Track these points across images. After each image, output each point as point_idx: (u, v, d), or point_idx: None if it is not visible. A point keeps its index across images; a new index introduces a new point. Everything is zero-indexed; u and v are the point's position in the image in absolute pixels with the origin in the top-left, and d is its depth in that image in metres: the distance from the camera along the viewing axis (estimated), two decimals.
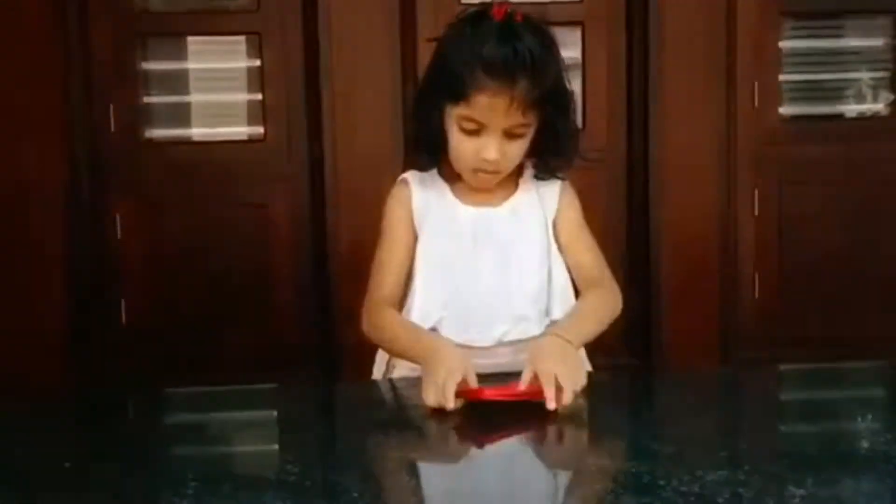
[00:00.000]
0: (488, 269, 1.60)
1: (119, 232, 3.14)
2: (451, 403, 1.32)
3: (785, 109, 3.27)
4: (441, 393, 1.33)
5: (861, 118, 3.39)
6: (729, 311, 3.20)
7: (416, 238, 1.63)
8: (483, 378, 1.39)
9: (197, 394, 1.66)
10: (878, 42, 3.36)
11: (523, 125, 1.53)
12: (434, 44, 1.60)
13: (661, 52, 3.10)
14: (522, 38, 1.48)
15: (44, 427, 1.37)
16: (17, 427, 1.36)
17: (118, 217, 3.14)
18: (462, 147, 1.55)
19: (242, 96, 3.30)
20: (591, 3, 3.18)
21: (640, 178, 3.16)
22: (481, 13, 1.53)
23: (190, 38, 3.28)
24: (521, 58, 1.47)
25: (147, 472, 1.17)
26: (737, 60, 3.15)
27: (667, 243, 3.13)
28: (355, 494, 1.05)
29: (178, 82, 3.30)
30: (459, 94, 1.51)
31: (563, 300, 1.62)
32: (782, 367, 1.93)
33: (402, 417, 1.43)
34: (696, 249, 3.14)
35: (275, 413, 1.56)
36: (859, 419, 1.39)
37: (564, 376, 1.34)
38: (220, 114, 3.35)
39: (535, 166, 1.64)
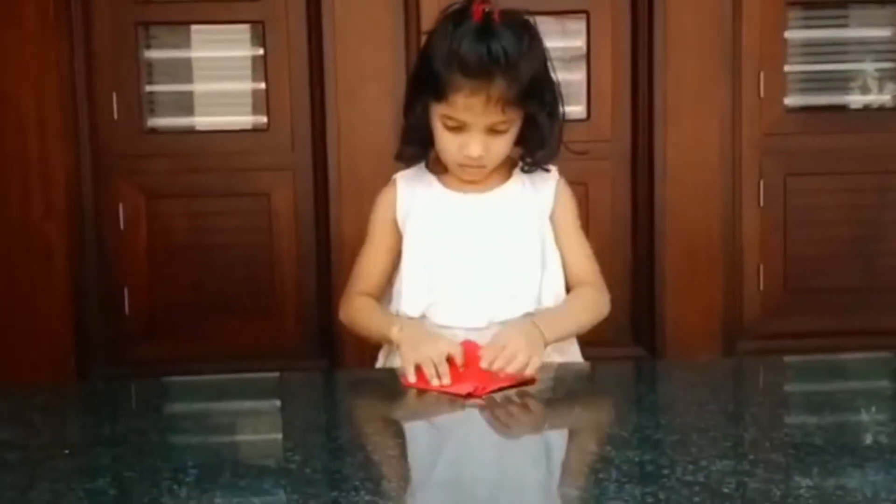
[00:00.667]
0: (477, 252, 1.61)
1: (122, 221, 3.14)
2: (446, 379, 1.40)
3: (790, 100, 3.25)
4: (437, 366, 1.41)
5: (867, 109, 3.37)
6: (733, 302, 3.19)
7: (399, 238, 1.67)
8: None
9: (198, 382, 1.66)
10: (884, 32, 3.34)
11: (505, 122, 1.54)
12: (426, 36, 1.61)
13: (665, 42, 3.09)
14: (498, 37, 1.49)
15: (45, 414, 1.37)
16: (18, 414, 1.36)
17: (121, 206, 3.14)
18: (446, 143, 1.58)
19: (246, 85, 3.29)
20: None
21: (644, 168, 3.14)
22: (464, 8, 1.54)
23: (193, 27, 3.27)
24: (495, 57, 1.48)
25: (148, 459, 1.16)
26: (742, 51, 3.13)
27: (671, 234, 3.12)
28: (356, 482, 1.04)
29: (182, 71, 3.28)
30: (440, 94, 1.53)
31: (554, 290, 1.63)
32: (787, 357, 1.93)
33: (403, 406, 1.43)
34: (701, 240, 3.13)
35: (276, 401, 1.55)
36: (865, 410, 1.38)
37: (513, 351, 1.40)
38: (224, 103, 3.33)
39: (521, 158, 1.65)
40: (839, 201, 3.23)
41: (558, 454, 1.25)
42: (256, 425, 1.39)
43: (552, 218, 1.66)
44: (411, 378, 1.43)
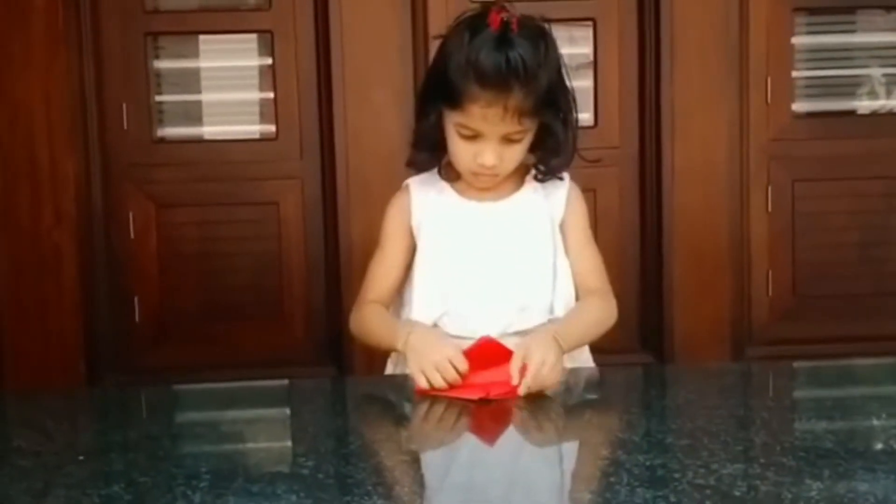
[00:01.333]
0: (490, 261, 1.61)
1: (132, 230, 3.15)
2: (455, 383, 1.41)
3: (798, 106, 3.26)
4: (443, 374, 1.41)
5: (875, 114, 3.37)
6: (742, 308, 3.19)
7: (413, 245, 1.65)
8: None
9: (210, 390, 1.67)
10: (891, 38, 3.34)
11: (520, 131, 1.53)
12: (439, 41, 1.60)
13: (673, 49, 3.09)
14: (516, 48, 1.48)
15: (59, 421, 1.38)
16: (32, 420, 1.37)
17: (131, 215, 3.15)
18: (460, 151, 1.56)
19: (254, 94, 3.31)
20: (603, 0, 3.17)
21: (652, 174, 3.15)
22: (481, 16, 1.52)
23: (202, 37, 3.28)
24: (513, 69, 1.47)
25: (162, 465, 1.17)
26: (749, 57, 3.13)
27: (680, 240, 3.11)
28: (369, 487, 1.05)
29: (190, 81, 3.30)
30: (455, 103, 1.51)
31: (565, 299, 1.63)
32: (796, 362, 1.93)
33: (414, 411, 1.43)
34: (709, 246, 3.13)
35: (287, 408, 1.56)
36: (875, 415, 1.38)
37: (537, 366, 1.39)
38: (233, 112, 3.34)
39: (535, 166, 1.64)
40: (847, 207, 3.23)
41: (570, 459, 1.25)
42: (268, 431, 1.40)
43: (562, 225, 1.65)
44: (422, 385, 1.43)
